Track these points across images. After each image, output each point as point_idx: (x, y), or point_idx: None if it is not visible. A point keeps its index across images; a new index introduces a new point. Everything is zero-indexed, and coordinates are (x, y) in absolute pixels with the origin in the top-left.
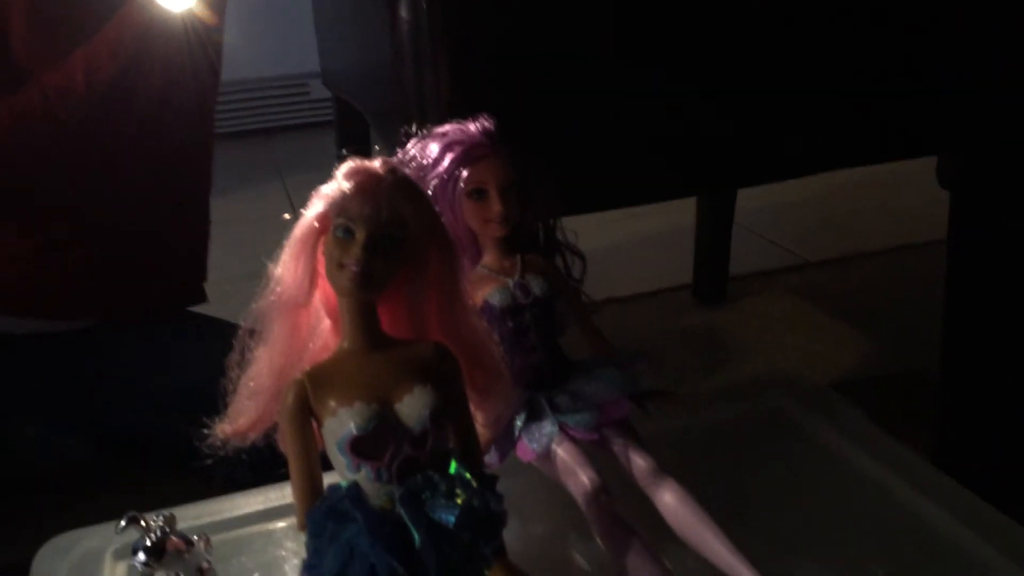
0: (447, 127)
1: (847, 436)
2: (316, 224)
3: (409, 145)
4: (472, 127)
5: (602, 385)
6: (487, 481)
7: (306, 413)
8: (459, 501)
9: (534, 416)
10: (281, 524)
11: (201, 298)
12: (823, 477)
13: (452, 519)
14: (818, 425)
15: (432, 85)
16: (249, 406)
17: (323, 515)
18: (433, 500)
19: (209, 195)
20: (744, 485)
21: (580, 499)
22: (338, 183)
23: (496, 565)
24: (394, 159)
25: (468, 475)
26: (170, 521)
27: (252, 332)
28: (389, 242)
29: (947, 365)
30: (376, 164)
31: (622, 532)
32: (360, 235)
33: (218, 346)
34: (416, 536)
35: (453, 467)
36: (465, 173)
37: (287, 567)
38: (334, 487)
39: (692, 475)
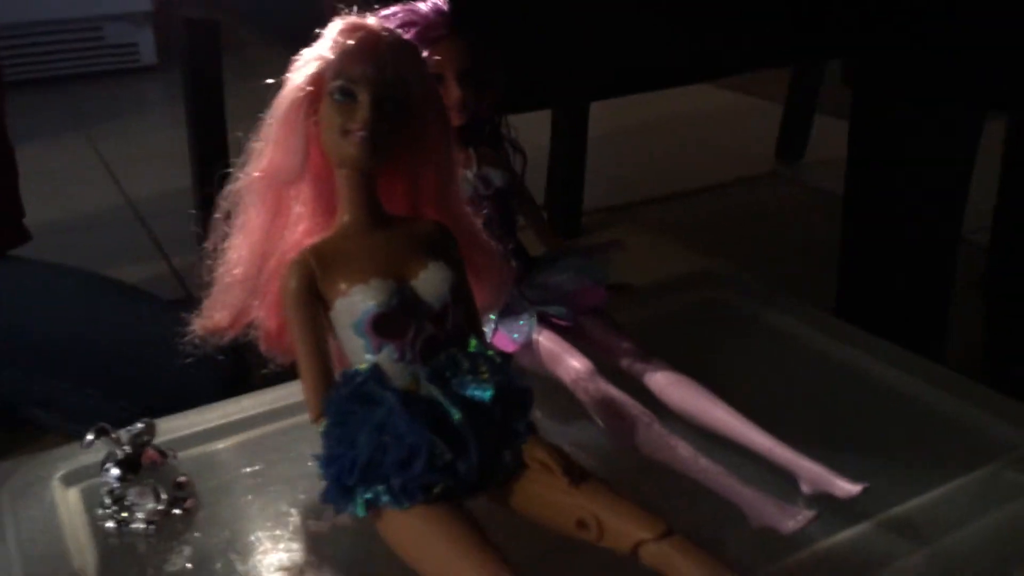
0: (396, 8)
1: (795, 317)
2: (309, 88)
3: None
4: (424, 7)
5: (572, 274)
6: (505, 358)
7: (313, 294)
8: (485, 378)
9: (508, 309)
10: (250, 435)
11: (23, 236)
12: (781, 354)
13: (487, 396)
14: (765, 310)
15: None
16: (228, 298)
17: (347, 400)
18: (460, 378)
19: (5, 117)
20: (710, 368)
21: (572, 383)
22: (333, 42)
23: (530, 441)
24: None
25: (490, 352)
26: (150, 430)
27: (227, 217)
28: (393, 105)
29: (845, 243)
30: (374, 22)
31: (624, 408)
32: (364, 97)
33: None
34: (454, 414)
35: (473, 344)
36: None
37: (275, 473)
38: (350, 372)
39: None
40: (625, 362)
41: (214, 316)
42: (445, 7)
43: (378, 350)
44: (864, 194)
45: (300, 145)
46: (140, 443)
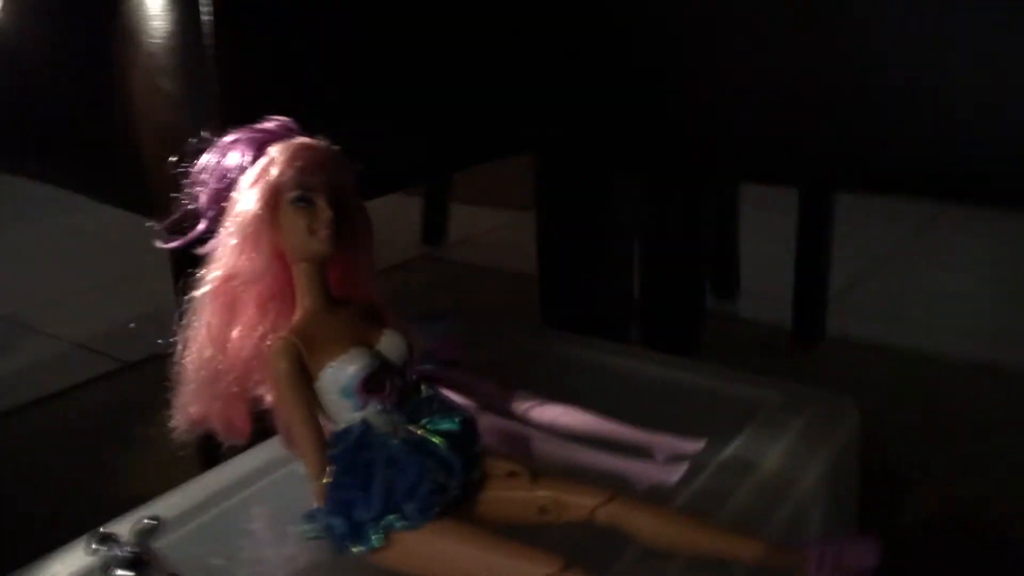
0: (246, 130)
1: (577, 345)
2: (270, 203)
3: (205, 157)
4: (272, 125)
5: (429, 334)
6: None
7: (302, 371)
8: (446, 414)
9: None
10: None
11: None
12: (575, 374)
13: (457, 427)
14: (549, 343)
15: (197, 100)
16: (200, 394)
17: (352, 450)
18: (429, 417)
19: None
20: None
21: None
22: (286, 160)
23: (488, 457)
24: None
25: (440, 394)
26: (155, 525)
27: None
28: (340, 205)
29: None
30: (308, 139)
31: (512, 429)
32: (321, 201)
33: None
34: (440, 443)
35: (424, 390)
36: None
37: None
38: (342, 430)
39: None
40: (494, 397)
41: (189, 410)
42: (292, 123)
43: (364, 406)
44: (550, 247)
45: (265, 251)
46: (145, 541)
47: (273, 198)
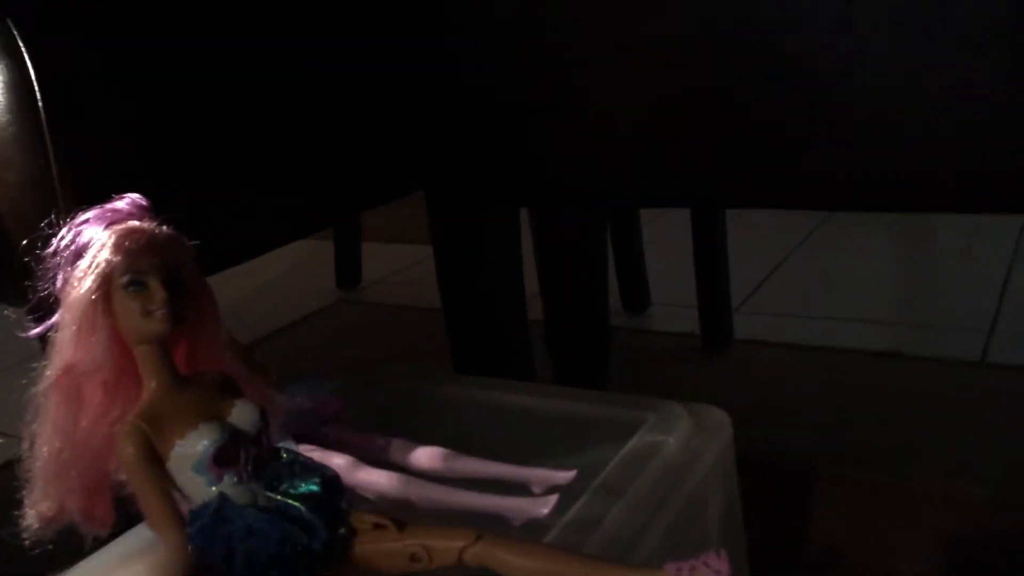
0: (96, 210)
1: (471, 387)
2: (103, 289)
3: (61, 236)
4: (123, 204)
5: (306, 394)
6: (307, 458)
7: (152, 452)
8: (307, 476)
9: None
10: None
11: None
12: (471, 413)
13: (316, 488)
14: (449, 387)
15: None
16: (52, 490)
17: (211, 525)
18: (289, 481)
19: None
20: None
21: (344, 472)
22: (113, 246)
23: (354, 513)
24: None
25: (299, 457)
26: None
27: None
28: (176, 284)
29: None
30: (139, 223)
31: (391, 480)
32: (154, 283)
33: None
34: (300, 506)
35: (284, 454)
36: None
37: None
38: (198, 507)
39: None
40: (372, 449)
41: (41, 508)
42: (142, 200)
43: (219, 480)
44: (448, 284)
45: (103, 338)
46: None
47: (105, 284)
